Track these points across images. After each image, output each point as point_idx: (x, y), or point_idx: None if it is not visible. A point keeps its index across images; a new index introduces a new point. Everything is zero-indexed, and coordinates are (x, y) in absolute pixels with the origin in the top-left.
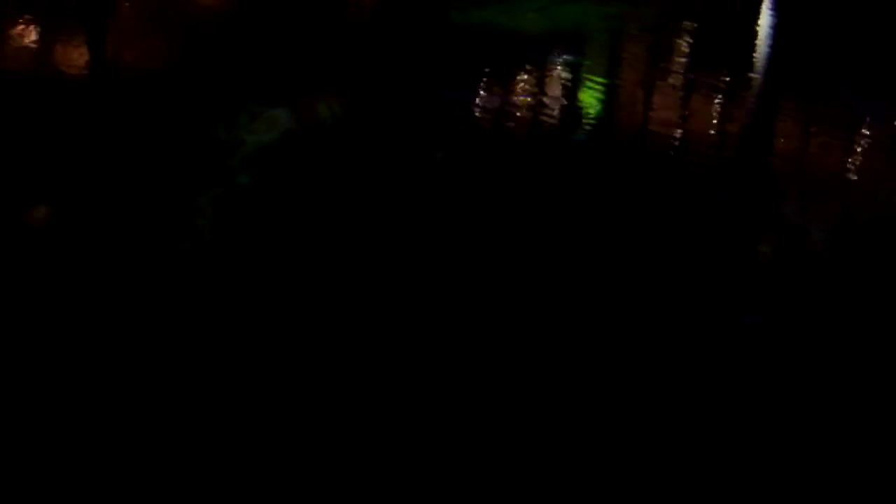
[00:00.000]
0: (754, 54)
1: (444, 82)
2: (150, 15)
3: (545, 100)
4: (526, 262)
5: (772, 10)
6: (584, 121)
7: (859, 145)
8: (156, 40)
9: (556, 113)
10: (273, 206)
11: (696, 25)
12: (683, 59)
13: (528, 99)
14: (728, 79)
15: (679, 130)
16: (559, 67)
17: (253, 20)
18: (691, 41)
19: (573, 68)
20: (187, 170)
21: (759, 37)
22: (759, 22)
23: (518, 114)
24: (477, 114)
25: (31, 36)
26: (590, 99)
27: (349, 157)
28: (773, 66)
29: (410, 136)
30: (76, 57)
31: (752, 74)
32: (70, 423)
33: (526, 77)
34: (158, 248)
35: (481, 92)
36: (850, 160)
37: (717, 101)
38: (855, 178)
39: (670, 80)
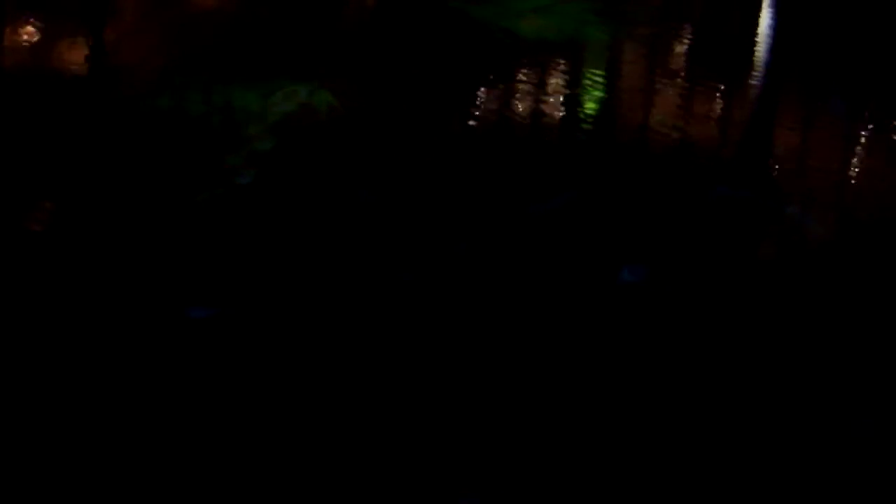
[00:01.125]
0: (754, 53)
1: (443, 79)
2: (152, 11)
3: (545, 97)
4: (528, 258)
5: (772, 9)
6: (584, 119)
7: (860, 144)
8: (157, 36)
9: (556, 110)
10: (280, 196)
11: (696, 24)
12: (684, 58)
13: (528, 96)
14: (729, 77)
15: (680, 128)
16: (559, 65)
17: (255, 14)
18: (692, 40)
19: (573, 66)
20: (201, 145)
21: (759, 36)
22: (760, 22)
23: (518, 111)
24: (476, 111)
25: (31, 35)
26: (590, 97)
27: (350, 148)
28: (774, 64)
29: (411, 132)
30: (76, 53)
31: (752, 73)
32: (90, 420)
33: (525, 75)
34: (174, 237)
35: (481, 89)
36: (850, 158)
37: (718, 98)
38: (855, 176)
39: (671, 79)
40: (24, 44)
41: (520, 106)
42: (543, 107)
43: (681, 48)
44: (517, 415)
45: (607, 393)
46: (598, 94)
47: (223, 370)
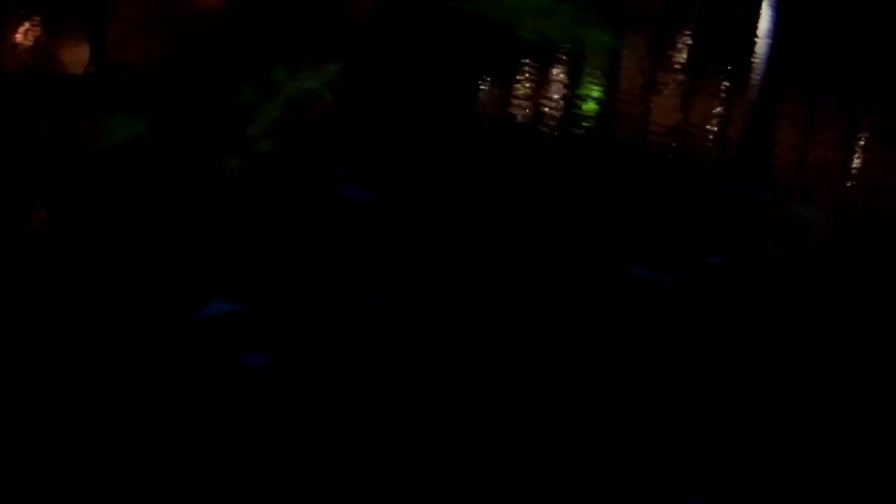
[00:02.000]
0: (754, 53)
1: (444, 78)
2: (152, 11)
3: (546, 97)
4: (535, 256)
5: (772, 9)
6: (585, 118)
7: (861, 142)
8: (158, 35)
9: (557, 110)
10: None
11: (696, 24)
12: (684, 58)
13: (529, 95)
14: (729, 76)
15: (681, 127)
16: (560, 65)
17: (255, 13)
18: (692, 40)
19: (574, 66)
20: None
21: (759, 35)
22: (760, 21)
23: (519, 110)
24: (477, 110)
25: (31, 35)
26: (590, 97)
27: (351, 145)
28: (773, 64)
29: (411, 130)
30: (76, 53)
31: (752, 73)
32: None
33: (526, 74)
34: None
35: (482, 89)
36: (850, 157)
37: (718, 98)
38: (855, 174)
39: (671, 79)
40: (24, 44)
41: (521, 105)
42: (544, 106)
43: (681, 48)
44: (516, 411)
45: (620, 393)
46: (598, 93)
47: (227, 367)
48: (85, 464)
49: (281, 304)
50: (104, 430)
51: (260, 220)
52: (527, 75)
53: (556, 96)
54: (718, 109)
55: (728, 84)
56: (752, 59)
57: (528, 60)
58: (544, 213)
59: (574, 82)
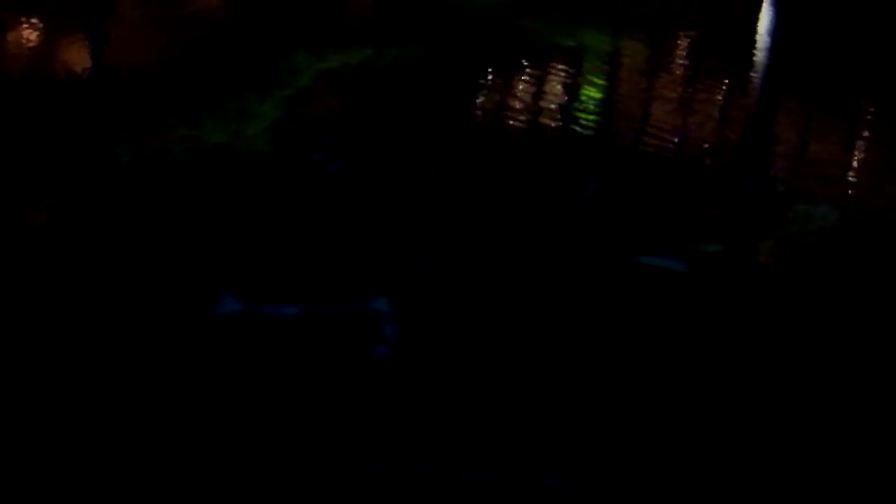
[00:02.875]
0: (754, 54)
1: (443, 77)
2: (152, 10)
3: (545, 96)
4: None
5: (772, 9)
6: (584, 118)
7: (859, 142)
8: (158, 35)
9: (555, 110)
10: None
11: (696, 24)
12: (684, 58)
13: (529, 94)
14: (729, 76)
15: (681, 127)
16: (560, 64)
17: (255, 13)
18: (692, 39)
19: (575, 66)
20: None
21: (759, 35)
22: (760, 20)
23: (518, 108)
24: (477, 108)
25: (31, 36)
26: (591, 96)
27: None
28: (773, 64)
29: (413, 125)
30: (76, 53)
31: (752, 73)
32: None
33: (527, 73)
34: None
35: (481, 87)
36: (850, 156)
37: (718, 98)
38: (855, 173)
39: (672, 79)
40: (24, 45)
41: (520, 104)
42: (545, 104)
43: (681, 48)
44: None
45: (628, 388)
46: (598, 93)
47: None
48: (104, 457)
49: (280, 308)
50: (125, 423)
51: (263, 215)
52: (529, 74)
53: (556, 95)
54: (720, 108)
55: (728, 84)
56: (754, 57)
57: (528, 59)
58: (563, 209)
59: (575, 81)
